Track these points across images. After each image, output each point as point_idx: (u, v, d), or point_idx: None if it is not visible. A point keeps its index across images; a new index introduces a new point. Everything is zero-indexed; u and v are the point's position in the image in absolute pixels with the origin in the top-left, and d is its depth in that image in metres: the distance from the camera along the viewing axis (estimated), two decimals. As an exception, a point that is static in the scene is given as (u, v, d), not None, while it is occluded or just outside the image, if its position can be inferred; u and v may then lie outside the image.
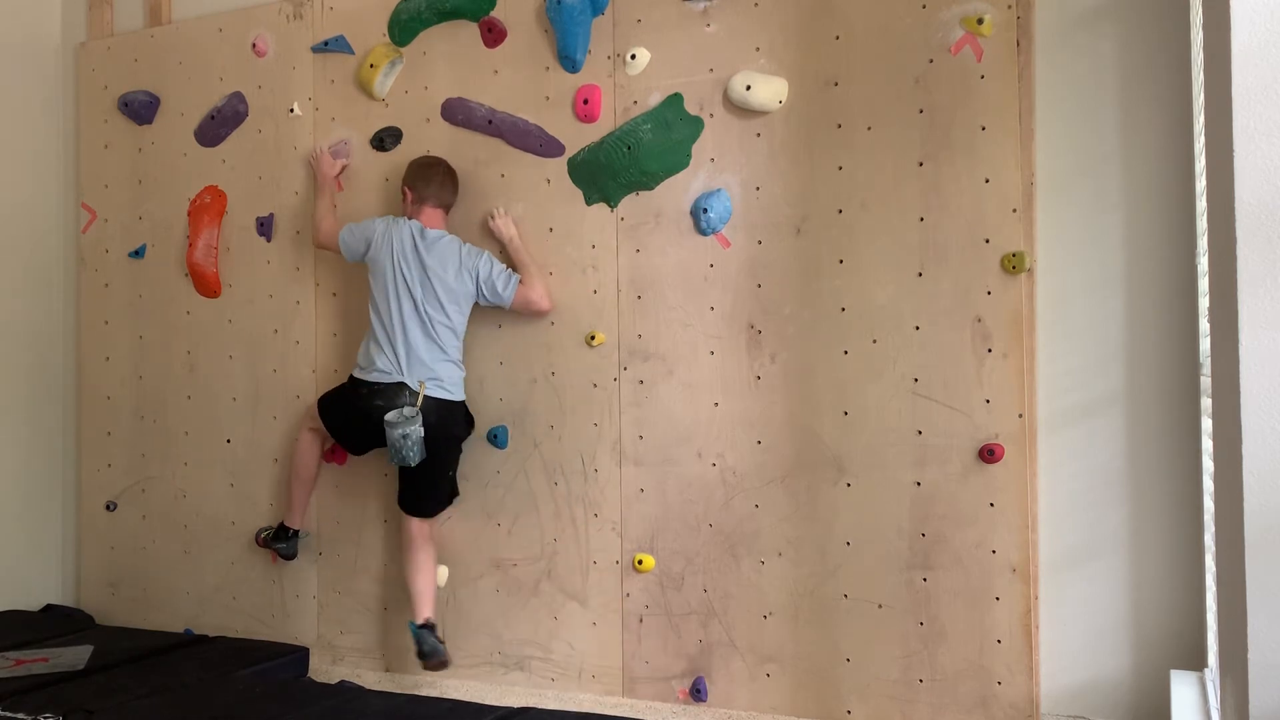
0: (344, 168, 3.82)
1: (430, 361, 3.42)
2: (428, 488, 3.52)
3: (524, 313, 3.51)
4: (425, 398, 3.40)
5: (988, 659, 2.99)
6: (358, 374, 3.50)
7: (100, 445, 4.35)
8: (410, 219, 3.50)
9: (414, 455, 3.36)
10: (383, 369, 3.43)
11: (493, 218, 3.57)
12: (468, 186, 3.66)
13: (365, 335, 3.53)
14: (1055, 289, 3.03)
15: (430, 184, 3.52)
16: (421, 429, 3.35)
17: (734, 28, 3.30)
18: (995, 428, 2.99)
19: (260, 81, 4.03)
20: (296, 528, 3.82)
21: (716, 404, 3.32)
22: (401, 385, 3.40)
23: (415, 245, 3.44)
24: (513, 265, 3.53)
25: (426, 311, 3.41)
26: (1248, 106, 1.73)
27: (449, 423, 3.47)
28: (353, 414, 3.50)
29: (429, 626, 3.43)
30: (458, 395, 3.49)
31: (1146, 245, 2.96)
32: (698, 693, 3.33)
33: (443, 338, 3.44)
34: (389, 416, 3.34)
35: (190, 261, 4.12)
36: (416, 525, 3.54)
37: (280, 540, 3.82)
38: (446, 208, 3.56)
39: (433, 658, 3.39)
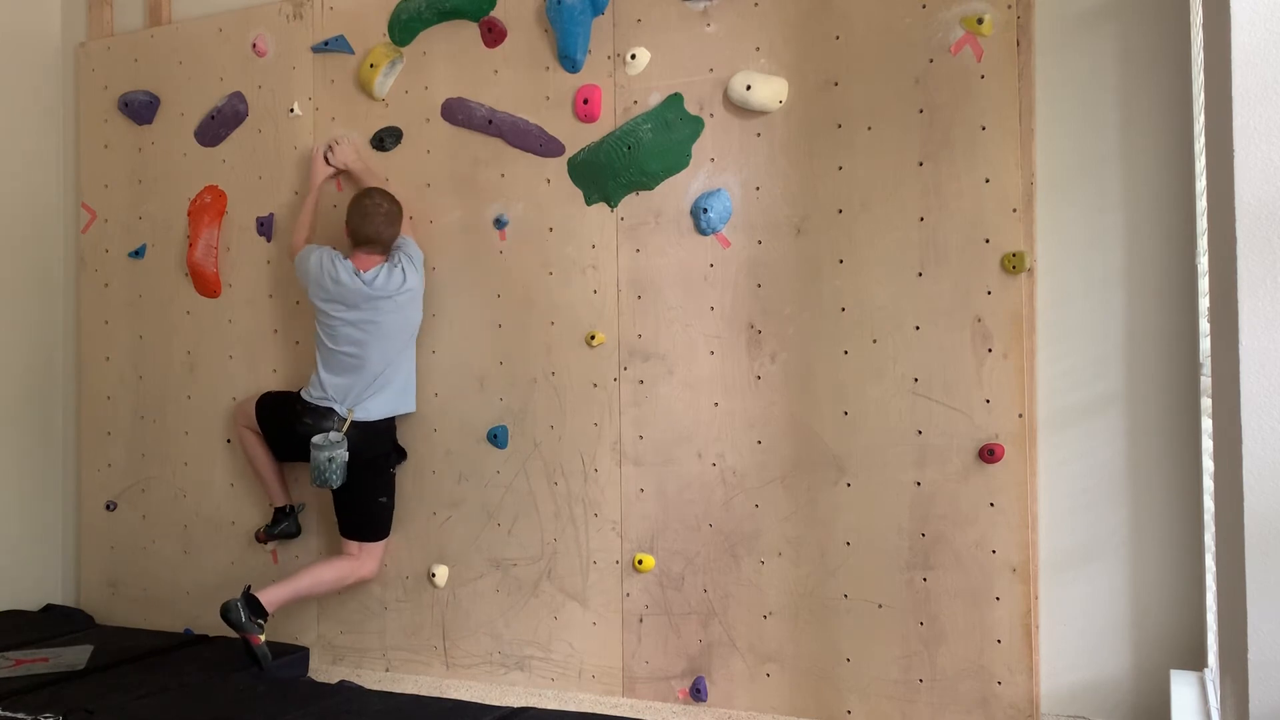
0: (337, 174, 3.81)
1: (366, 391, 3.51)
2: (350, 511, 3.61)
3: None
4: (351, 424, 3.49)
5: (988, 659, 2.99)
6: (302, 392, 3.60)
7: (100, 445, 4.35)
8: (347, 258, 3.52)
9: (335, 479, 3.46)
10: (318, 395, 3.53)
11: (330, 149, 3.71)
12: (468, 186, 3.66)
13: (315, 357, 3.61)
14: (1055, 289, 3.03)
15: (366, 225, 3.48)
16: (345, 454, 3.45)
17: (734, 28, 3.30)
18: (995, 428, 2.99)
19: (260, 81, 4.03)
20: (285, 504, 3.86)
21: (716, 404, 3.32)
22: (331, 410, 3.50)
23: (355, 286, 3.46)
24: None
25: (367, 350, 3.48)
26: (1248, 106, 1.73)
27: (370, 447, 3.53)
28: (285, 423, 3.61)
29: (253, 604, 3.41)
30: (375, 414, 3.52)
31: (1146, 245, 2.96)
32: (698, 693, 3.33)
33: (385, 367, 3.51)
34: (316, 439, 3.45)
35: (190, 261, 4.12)
36: (348, 548, 3.63)
37: (279, 523, 3.85)
38: (384, 247, 3.54)
39: (230, 618, 3.39)
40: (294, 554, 3.95)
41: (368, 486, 3.57)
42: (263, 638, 3.43)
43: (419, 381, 3.70)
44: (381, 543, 3.66)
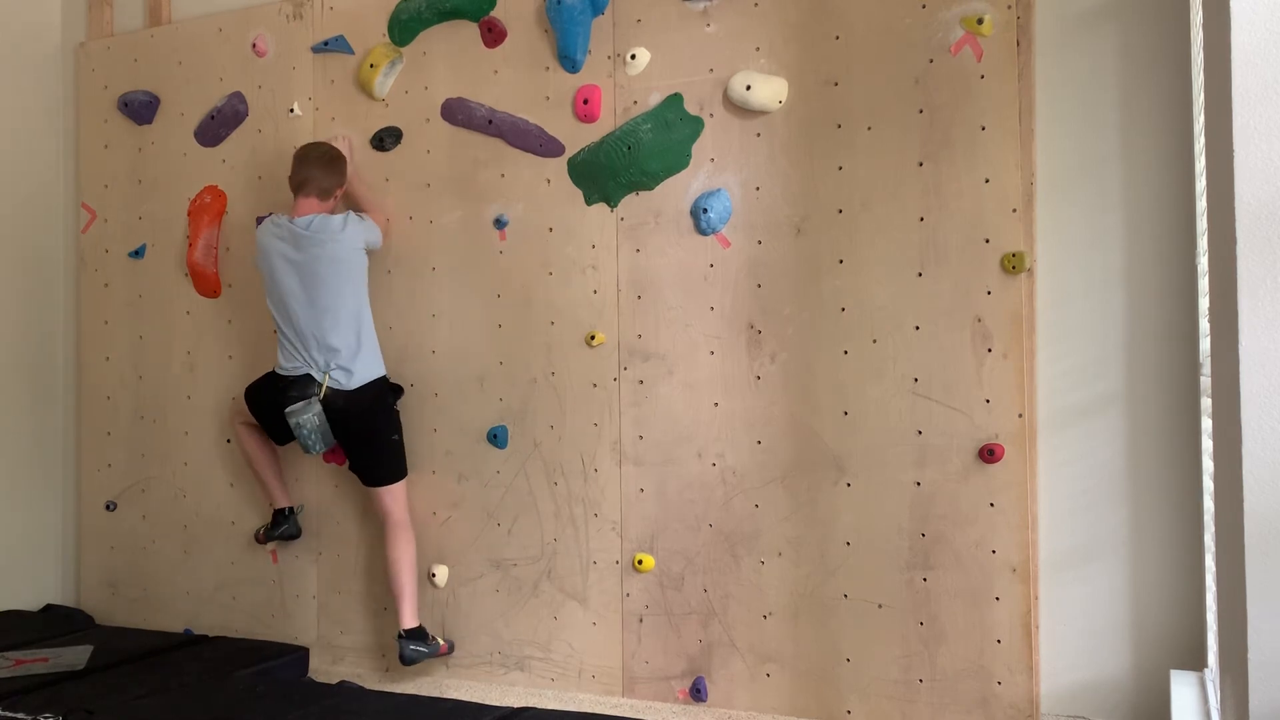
0: None
1: (342, 349, 3.50)
2: (367, 460, 3.61)
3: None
4: (328, 389, 3.50)
5: (988, 659, 2.99)
6: (276, 369, 3.62)
7: (100, 445, 4.35)
8: (291, 216, 3.57)
9: (314, 442, 3.51)
10: (289, 367, 3.55)
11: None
12: (468, 186, 3.66)
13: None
14: (1055, 289, 3.03)
15: (300, 169, 3.57)
16: (316, 418, 3.48)
17: (734, 28, 3.30)
18: (995, 428, 2.99)
19: (260, 81, 4.03)
20: (285, 505, 3.86)
21: (716, 404, 3.32)
22: (309, 377, 3.51)
23: (288, 238, 3.51)
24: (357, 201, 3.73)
25: (316, 302, 3.50)
26: (1248, 106, 1.73)
27: (363, 397, 3.53)
28: (270, 403, 3.62)
29: (407, 636, 3.49)
30: (357, 381, 3.51)
31: (1146, 245, 2.96)
32: (698, 693, 3.33)
33: (345, 323, 3.51)
34: (288, 409, 3.49)
35: (190, 261, 4.12)
36: (382, 501, 3.60)
37: (279, 525, 3.85)
38: (321, 193, 3.57)
39: (415, 662, 3.50)
40: (294, 554, 3.95)
41: (376, 430, 3.57)
42: (441, 640, 3.59)
43: (420, 381, 3.71)
44: (404, 482, 3.64)
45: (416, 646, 3.48)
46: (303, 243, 3.49)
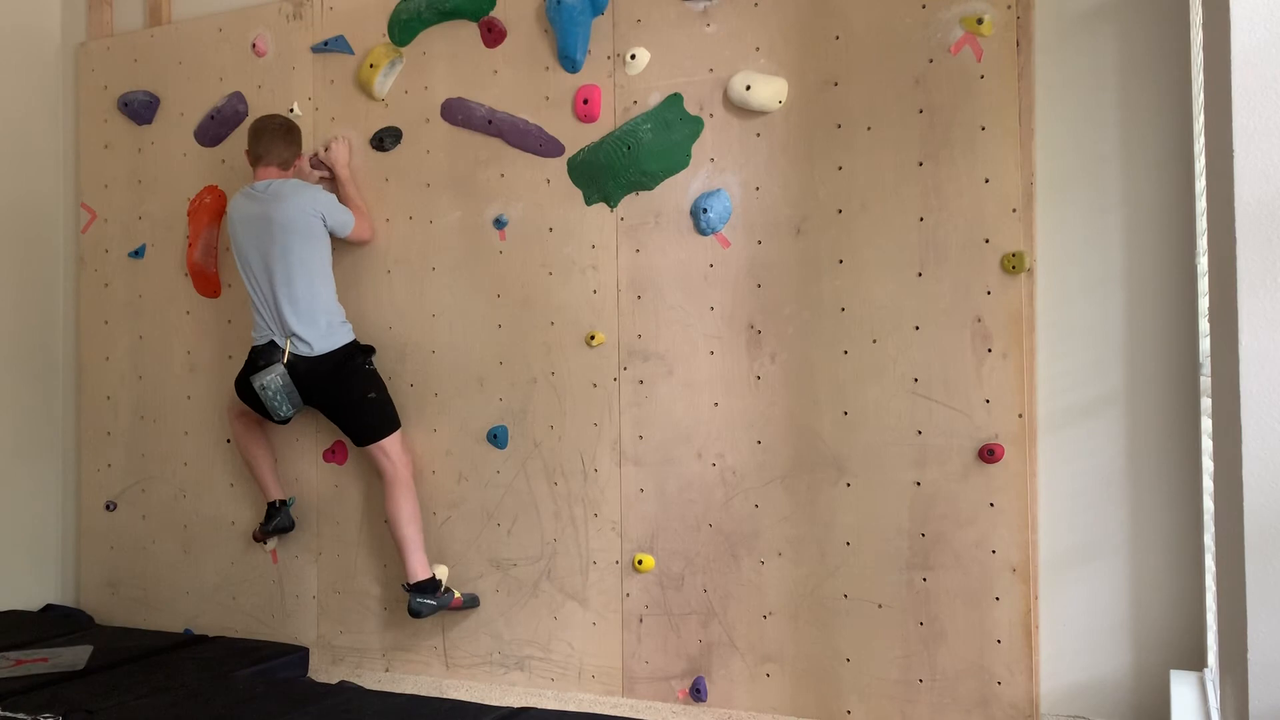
0: (329, 176, 3.81)
1: (295, 315, 3.53)
2: (347, 421, 3.63)
3: (353, 243, 3.75)
4: (290, 355, 3.54)
5: (988, 659, 2.99)
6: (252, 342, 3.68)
7: (100, 445, 4.35)
8: (252, 185, 3.63)
9: (280, 404, 3.56)
10: (256, 336, 3.61)
11: (326, 148, 3.78)
12: (468, 186, 3.66)
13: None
14: (1055, 289, 3.03)
15: (259, 143, 3.63)
16: (279, 379, 3.52)
17: (734, 28, 3.30)
18: (995, 428, 2.99)
19: (260, 81, 4.03)
20: (277, 499, 3.87)
21: (716, 404, 3.32)
22: (273, 344, 3.56)
23: (250, 203, 3.57)
24: (341, 196, 3.74)
25: (271, 267, 3.53)
26: (1248, 106, 1.73)
27: (326, 361, 3.55)
28: (249, 380, 3.63)
29: (414, 589, 3.50)
30: (319, 350, 3.54)
31: (1146, 245, 2.96)
32: (697, 693, 3.33)
33: (300, 287, 3.53)
34: (252, 375, 3.55)
35: (190, 261, 4.12)
36: (374, 459, 3.61)
37: (272, 518, 3.86)
38: (281, 163, 3.63)
39: (422, 615, 3.52)
40: (294, 554, 3.95)
41: (348, 391, 3.58)
42: (457, 592, 3.58)
43: (420, 381, 3.71)
44: (396, 436, 3.63)
45: (424, 599, 3.48)
46: (259, 202, 3.55)
